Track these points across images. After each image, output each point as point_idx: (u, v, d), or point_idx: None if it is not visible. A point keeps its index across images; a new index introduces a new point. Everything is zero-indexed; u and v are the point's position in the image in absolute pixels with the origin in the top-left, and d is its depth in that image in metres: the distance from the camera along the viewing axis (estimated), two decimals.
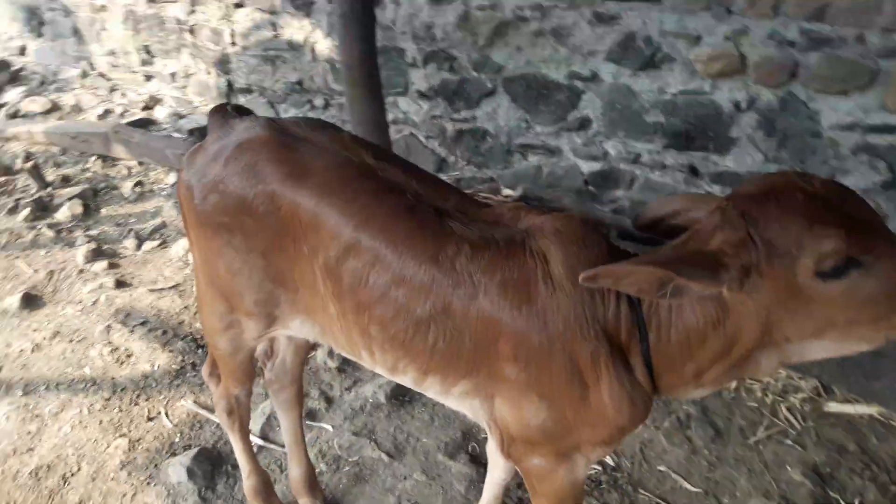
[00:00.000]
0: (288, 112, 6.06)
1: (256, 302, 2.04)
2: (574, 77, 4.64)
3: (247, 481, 2.73)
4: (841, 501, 2.75)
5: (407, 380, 1.90)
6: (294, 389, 2.63)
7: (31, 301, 4.13)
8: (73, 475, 3.07)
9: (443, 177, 5.25)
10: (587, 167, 4.84)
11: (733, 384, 3.26)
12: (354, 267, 1.78)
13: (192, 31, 6.54)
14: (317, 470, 3.01)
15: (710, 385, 1.68)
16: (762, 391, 3.24)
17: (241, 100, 6.33)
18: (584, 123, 4.73)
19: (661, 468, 2.94)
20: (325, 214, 1.79)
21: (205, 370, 2.57)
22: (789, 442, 3.00)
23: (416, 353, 1.80)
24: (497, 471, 2.40)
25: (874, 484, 2.80)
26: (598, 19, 4.38)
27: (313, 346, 2.35)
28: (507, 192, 4.95)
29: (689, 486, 2.85)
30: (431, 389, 1.89)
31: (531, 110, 4.89)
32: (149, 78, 7.20)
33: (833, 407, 3.14)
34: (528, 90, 4.84)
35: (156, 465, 3.08)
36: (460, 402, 1.90)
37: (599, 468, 2.93)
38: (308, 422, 3.24)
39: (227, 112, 2.13)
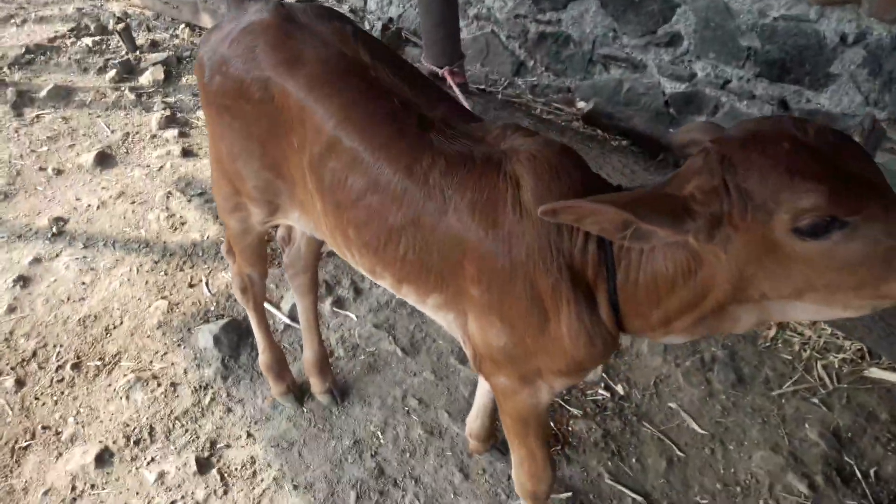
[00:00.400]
0: None
1: (256, 188, 2.06)
2: None
3: (261, 356, 2.85)
4: (855, 468, 2.63)
5: (386, 284, 1.90)
6: (308, 276, 2.68)
7: (104, 160, 4.33)
8: (115, 328, 3.29)
9: (519, 82, 5.09)
10: (671, 87, 4.56)
11: (771, 330, 3.11)
12: (334, 167, 1.76)
13: None
14: (335, 355, 3.12)
15: (683, 333, 1.59)
16: (801, 345, 3.08)
17: None
18: (674, 39, 4.42)
19: (672, 405, 2.88)
20: (310, 108, 1.76)
21: (224, 247, 2.65)
22: (815, 401, 2.86)
23: (389, 262, 1.79)
24: (485, 382, 2.41)
25: None
26: None
27: None
28: (581, 104, 4.76)
29: (696, 427, 2.79)
30: (409, 297, 1.89)
31: (620, 19, 4.60)
32: None
33: (874, 373, 2.95)
34: None
35: (189, 329, 3.25)
36: (435, 313, 1.89)
37: (607, 394, 2.91)
38: (335, 309, 3.33)
39: None
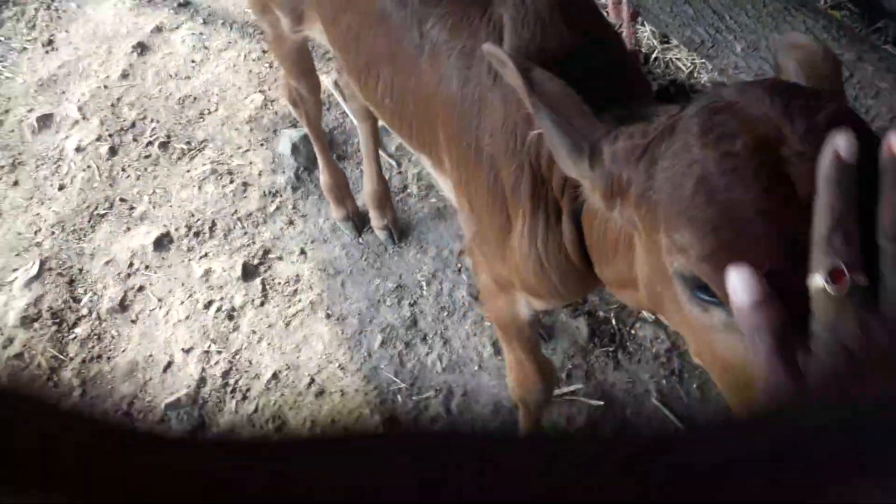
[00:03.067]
0: None
1: None
2: None
3: (322, 177, 2.69)
4: None
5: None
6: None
7: None
8: (209, 113, 3.24)
9: None
10: None
11: None
12: None
13: None
14: (407, 190, 2.89)
15: None
16: None
17: None
18: None
19: None
20: None
21: None
22: None
23: (373, 102, 1.47)
24: None
25: None
26: None
27: None
28: None
29: None
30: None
31: None
32: None
33: None
34: None
35: (275, 131, 3.13)
36: (437, 175, 1.55)
37: None
38: None
39: None
